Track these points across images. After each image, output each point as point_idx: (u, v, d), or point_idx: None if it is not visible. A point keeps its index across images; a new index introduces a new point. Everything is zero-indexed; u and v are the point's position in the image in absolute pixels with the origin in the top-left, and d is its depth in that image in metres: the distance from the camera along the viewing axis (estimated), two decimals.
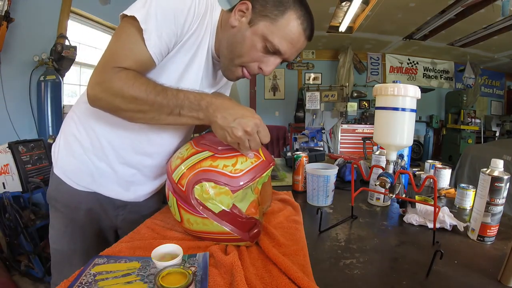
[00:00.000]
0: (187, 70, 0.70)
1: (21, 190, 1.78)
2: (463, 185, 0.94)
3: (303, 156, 1.05)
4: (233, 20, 0.66)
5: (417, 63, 6.21)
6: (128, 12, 0.58)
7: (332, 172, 0.92)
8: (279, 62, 0.69)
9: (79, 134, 0.76)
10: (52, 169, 0.80)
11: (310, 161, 1.08)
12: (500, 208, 0.66)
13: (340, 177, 1.18)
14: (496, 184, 0.65)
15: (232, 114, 0.58)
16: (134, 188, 0.83)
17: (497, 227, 0.68)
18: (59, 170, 0.78)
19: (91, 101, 0.60)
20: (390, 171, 0.73)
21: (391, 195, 0.73)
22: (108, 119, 0.72)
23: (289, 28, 0.63)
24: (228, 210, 0.60)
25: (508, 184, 0.65)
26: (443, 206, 0.81)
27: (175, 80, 0.69)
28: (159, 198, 0.95)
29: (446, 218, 0.74)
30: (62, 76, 2.52)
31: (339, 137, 4.39)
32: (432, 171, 1.15)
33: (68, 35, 2.59)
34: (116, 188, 0.80)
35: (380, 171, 0.76)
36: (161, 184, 0.89)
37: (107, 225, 0.85)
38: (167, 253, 0.53)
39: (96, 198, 0.79)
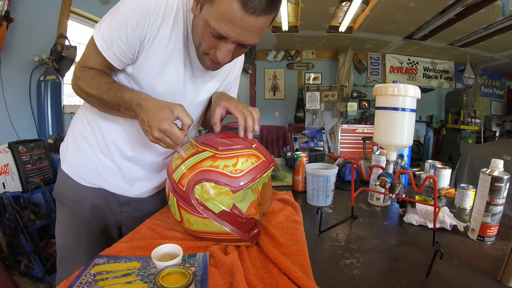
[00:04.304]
0: (162, 73, 0.71)
1: (21, 190, 1.78)
2: (463, 185, 0.94)
3: (303, 156, 1.05)
4: (193, 9, 0.65)
5: (417, 63, 6.21)
6: (96, 27, 0.67)
7: (332, 172, 0.92)
8: (232, 47, 0.62)
9: (86, 132, 0.80)
10: (60, 166, 0.84)
11: (310, 161, 1.09)
12: (500, 208, 0.66)
13: (340, 177, 1.18)
14: (496, 184, 0.65)
15: (147, 118, 0.60)
16: (139, 183, 0.85)
17: (497, 227, 0.68)
18: (66, 166, 0.83)
19: (74, 91, 0.72)
20: (390, 171, 0.73)
21: (391, 195, 0.73)
22: (109, 116, 0.75)
23: (223, 6, 0.55)
24: (228, 211, 0.61)
25: (508, 184, 0.65)
26: (443, 206, 0.81)
27: (150, 84, 0.71)
28: (164, 196, 0.95)
29: (446, 218, 0.74)
30: (62, 76, 2.52)
31: (339, 137, 4.39)
32: (432, 171, 1.15)
33: (68, 35, 2.59)
34: (121, 184, 0.83)
35: (380, 171, 0.76)
36: (165, 180, 0.90)
37: (112, 221, 0.87)
38: (167, 253, 0.53)
39: (102, 194, 0.82)
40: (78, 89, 0.70)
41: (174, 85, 0.74)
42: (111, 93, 0.66)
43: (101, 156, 0.80)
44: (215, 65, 0.70)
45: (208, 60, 0.68)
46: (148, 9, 0.63)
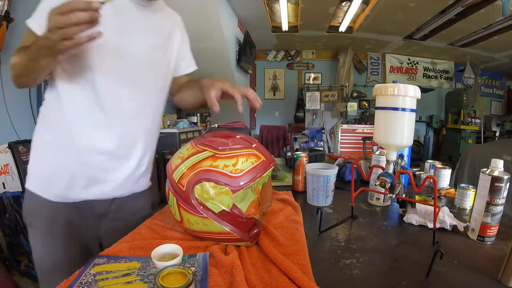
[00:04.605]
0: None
1: (21, 190, 1.78)
2: (463, 185, 0.94)
3: (303, 156, 1.05)
4: None
5: (417, 63, 6.21)
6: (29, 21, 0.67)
7: (332, 172, 0.92)
8: None
9: (42, 133, 0.78)
10: (25, 189, 0.79)
11: (310, 161, 1.09)
12: (500, 208, 0.66)
13: (340, 177, 1.18)
14: (496, 184, 0.65)
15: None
16: (112, 176, 0.79)
17: (497, 227, 0.68)
18: (31, 183, 0.78)
19: (13, 81, 0.69)
20: (390, 171, 0.73)
21: (391, 195, 0.73)
22: (58, 102, 0.74)
23: None
24: (228, 210, 0.61)
25: (508, 184, 0.65)
26: (443, 206, 0.81)
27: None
28: (146, 203, 0.92)
29: (446, 218, 0.74)
30: None
31: (339, 137, 4.40)
32: (432, 171, 1.15)
33: None
34: (94, 186, 0.78)
35: (380, 171, 0.76)
36: (140, 171, 0.86)
37: (90, 236, 0.82)
38: (167, 253, 0.54)
39: (74, 208, 0.77)
40: (11, 68, 0.66)
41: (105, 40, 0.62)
42: (29, 49, 0.61)
43: (64, 154, 0.75)
44: None
45: None
46: None
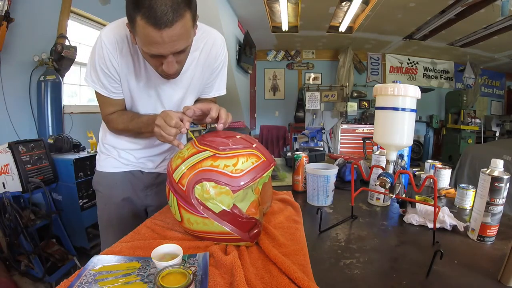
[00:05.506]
0: (133, 87, 0.86)
1: (21, 190, 1.77)
2: (463, 185, 0.94)
3: (303, 156, 1.05)
4: (133, 41, 0.73)
5: (417, 63, 6.21)
6: (86, 82, 0.85)
7: (332, 172, 0.92)
8: (172, 59, 0.70)
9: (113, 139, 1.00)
10: (95, 170, 1.04)
11: (310, 161, 1.09)
12: (500, 208, 0.66)
13: (340, 177, 1.18)
14: (496, 184, 0.65)
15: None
16: (154, 158, 1.02)
17: (497, 227, 0.68)
18: (100, 166, 1.02)
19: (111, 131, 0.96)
20: (390, 171, 0.73)
21: (391, 195, 0.73)
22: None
23: (141, 33, 0.63)
24: (228, 210, 0.61)
25: (508, 184, 0.65)
26: (443, 206, 0.81)
27: (129, 96, 0.88)
28: None
29: (446, 218, 0.75)
30: (62, 76, 2.51)
31: (339, 137, 4.39)
32: (432, 171, 1.15)
33: (68, 35, 2.58)
34: (145, 162, 1.01)
35: (380, 171, 0.76)
36: (171, 154, 1.05)
37: (139, 204, 1.03)
38: (167, 253, 0.54)
39: (129, 178, 1.00)
40: (112, 129, 0.92)
41: (140, 93, 0.88)
42: (134, 121, 0.85)
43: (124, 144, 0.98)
44: (172, 76, 0.77)
45: (163, 75, 0.76)
46: (105, 50, 0.77)
